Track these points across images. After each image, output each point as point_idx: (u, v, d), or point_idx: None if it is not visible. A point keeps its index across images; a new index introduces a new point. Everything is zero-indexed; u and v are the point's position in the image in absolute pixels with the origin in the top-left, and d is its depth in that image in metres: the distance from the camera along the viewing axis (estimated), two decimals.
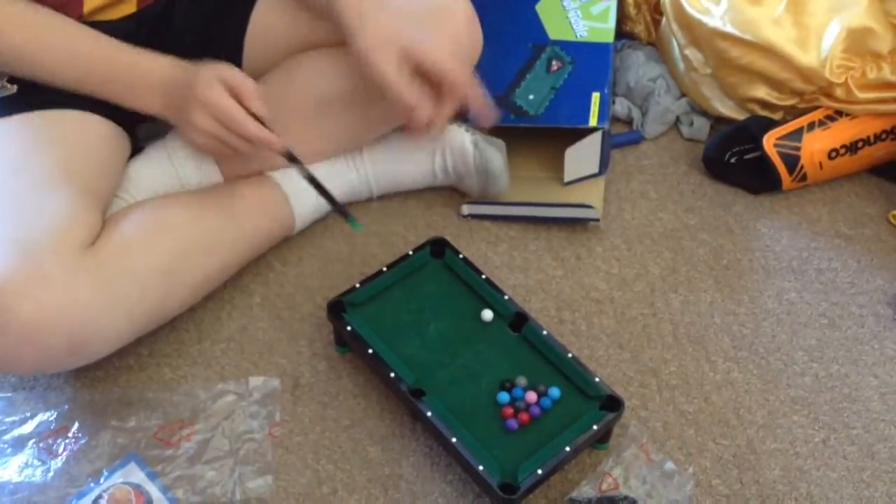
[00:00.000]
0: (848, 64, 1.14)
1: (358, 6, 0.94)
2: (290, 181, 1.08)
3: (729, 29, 1.16)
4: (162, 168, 1.06)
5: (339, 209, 0.99)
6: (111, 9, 1.01)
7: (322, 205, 1.11)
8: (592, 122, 1.11)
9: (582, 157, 1.13)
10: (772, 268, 1.11)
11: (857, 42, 1.13)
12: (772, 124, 1.17)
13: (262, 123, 0.94)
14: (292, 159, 0.97)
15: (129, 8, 1.03)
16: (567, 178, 1.15)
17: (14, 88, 0.97)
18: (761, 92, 1.19)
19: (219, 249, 1.00)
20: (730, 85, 1.21)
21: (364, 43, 0.93)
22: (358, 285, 0.99)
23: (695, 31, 1.21)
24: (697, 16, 1.19)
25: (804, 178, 1.17)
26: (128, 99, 0.97)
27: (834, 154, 1.16)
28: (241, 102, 0.93)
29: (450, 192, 1.17)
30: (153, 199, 1.01)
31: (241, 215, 1.04)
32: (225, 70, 0.94)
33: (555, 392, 0.91)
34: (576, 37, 1.21)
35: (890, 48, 1.14)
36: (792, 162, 1.16)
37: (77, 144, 0.97)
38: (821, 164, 1.16)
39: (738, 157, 1.18)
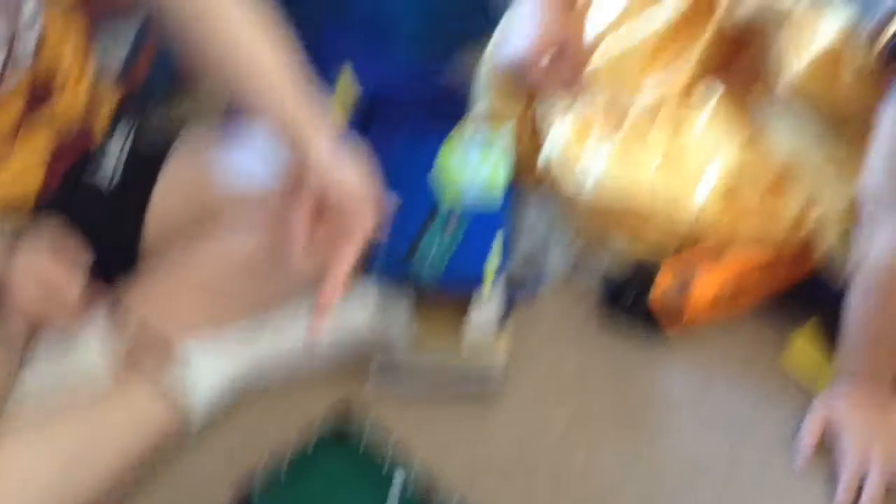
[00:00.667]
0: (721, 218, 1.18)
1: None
2: (194, 362, 1.07)
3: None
4: (62, 360, 1.05)
5: None
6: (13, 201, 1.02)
7: (223, 389, 1.10)
8: (489, 282, 1.13)
9: (481, 317, 1.14)
10: (671, 419, 1.13)
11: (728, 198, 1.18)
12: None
13: None
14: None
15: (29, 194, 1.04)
16: (466, 339, 1.15)
17: None
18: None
19: (104, 460, 0.98)
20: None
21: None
22: (258, 484, 0.98)
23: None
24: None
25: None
26: None
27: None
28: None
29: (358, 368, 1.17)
30: (41, 409, 1.00)
31: (127, 424, 1.02)
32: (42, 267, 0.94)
33: None
34: (471, 193, 1.23)
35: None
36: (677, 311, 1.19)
37: None
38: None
39: (628, 297, 1.22)
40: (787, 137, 1.19)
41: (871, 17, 1.02)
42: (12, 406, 1.00)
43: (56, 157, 1.06)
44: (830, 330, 1.13)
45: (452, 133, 1.33)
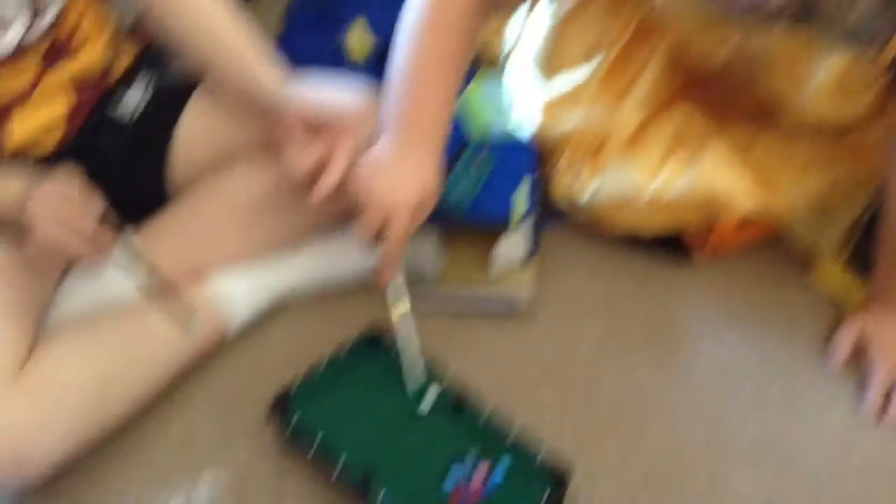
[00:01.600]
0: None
1: None
2: (226, 286, 1.09)
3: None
4: (91, 285, 1.06)
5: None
6: (36, 147, 1.04)
7: (260, 305, 1.12)
8: (518, 213, 1.13)
9: (510, 246, 1.15)
10: (701, 334, 1.14)
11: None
12: None
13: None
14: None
15: (53, 141, 1.05)
16: (494, 266, 1.17)
17: None
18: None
19: (149, 364, 1.01)
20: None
21: None
22: (298, 382, 1.00)
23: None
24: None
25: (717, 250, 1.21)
26: None
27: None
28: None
29: None
30: (86, 316, 1.02)
31: (172, 330, 1.03)
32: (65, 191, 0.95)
33: (501, 470, 0.92)
34: (498, 128, 1.24)
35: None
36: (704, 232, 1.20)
37: (11, 272, 0.97)
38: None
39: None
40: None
41: (865, 39, 1.01)
42: (49, 327, 1.02)
43: (77, 107, 1.08)
44: (860, 251, 1.15)
45: (478, 72, 1.35)
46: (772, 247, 1.23)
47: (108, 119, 1.11)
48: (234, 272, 1.10)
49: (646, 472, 0.98)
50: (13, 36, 0.96)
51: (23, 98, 1.01)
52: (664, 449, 1.01)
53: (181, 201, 1.12)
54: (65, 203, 0.95)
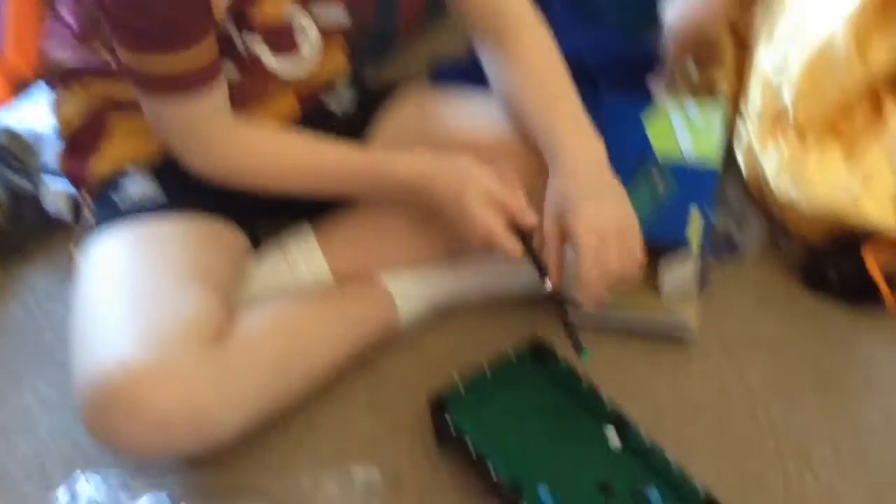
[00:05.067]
0: None
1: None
2: (397, 285, 1.13)
3: (804, 203, 1.18)
4: (277, 266, 1.12)
5: (575, 341, 1.00)
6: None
7: (425, 309, 1.15)
8: (692, 240, 1.12)
9: (680, 272, 1.14)
10: (876, 382, 1.09)
11: None
12: (869, 235, 1.17)
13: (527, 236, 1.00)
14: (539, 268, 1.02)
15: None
16: (663, 291, 1.16)
17: (164, 198, 1.06)
18: None
19: (329, 347, 1.05)
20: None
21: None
22: (459, 383, 1.02)
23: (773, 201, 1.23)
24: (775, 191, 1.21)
25: None
26: (377, 198, 1.09)
27: None
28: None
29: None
30: (272, 297, 1.08)
31: (350, 315, 1.09)
32: (489, 186, 1.00)
33: (654, 494, 0.91)
34: (681, 155, 1.23)
35: None
36: (894, 278, 1.16)
37: (210, 248, 1.04)
38: None
39: (837, 270, 1.19)
40: None
41: None
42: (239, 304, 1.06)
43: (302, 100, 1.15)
44: None
45: (660, 97, 1.35)
46: None
47: (324, 108, 1.18)
48: (404, 274, 1.14)
49: None
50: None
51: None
52: (824, 496, 0.97)
53: (361, 202, 1.16)
54: (497, 186, 1.00)
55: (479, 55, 1.13)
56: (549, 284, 1.01)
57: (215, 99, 0.98)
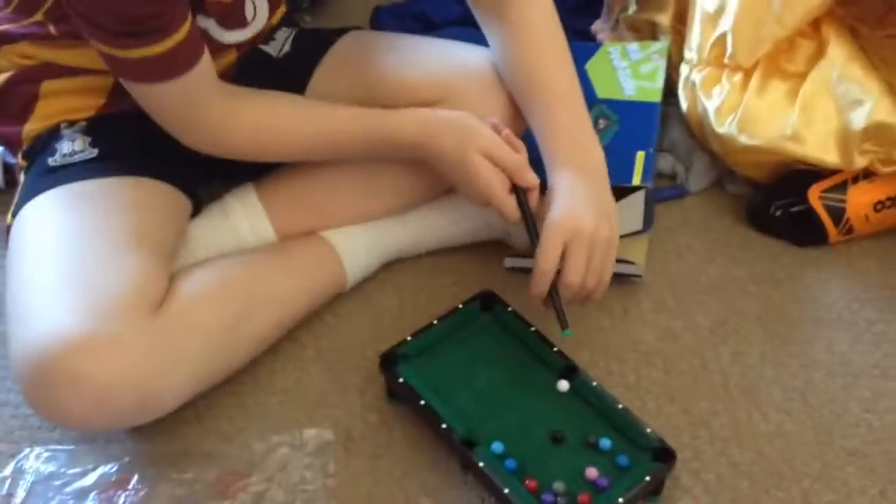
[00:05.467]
0: (872, 149, 1.14)
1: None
2: (343, 241, 1.11)
3: (745, 140, 1.18)
4: (219, 227, 1.10)
5: (561, 316, 0.98)
6: None
7: (373, 262, 1.14)
8: (636, 180, 1.12)
9: (626, 214, 1.14)
10: (822, 319, 1.11)
11: (878, 134, 1.13)
12: (815, 177, 1.18)
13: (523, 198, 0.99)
14: (531, 232, 1.01)
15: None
16: None
17: (95, 152, 1.02)
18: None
19: (277, 306, 1.03)
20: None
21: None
22: (409, 338, 1.01)
23: (713, 139, 1.23)
24: (716, 129, 1.21)
25: (850, 230, 1.18)
26: (376, 156, 1.07)
27: (880, 206, 1.16)
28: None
29: (498, 247, 1.19)
30: (214, 258, 1.05)
31: (297, 273, 1.07)
32: (491, 146, 0.99)
33: (606, 443, 0.91)
34: (623, 96, 1.23)
35: None
36: (838, 214, 1.17)
37: (147, 209, 1.01)
38: (867, 216, 1.17)
39: (783, 210, 1.19)
40: None
41: None
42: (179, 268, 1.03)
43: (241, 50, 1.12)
44: None
45: (603, 42, 1.34)
46: None
47: (260, 51, 1.15)
48: (351, 229, 1.12)
49: (752, 457, 0.96)
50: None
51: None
52: (772, 435, 0.98)
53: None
54: (500, 144, 0.99)
55: (480, 24, 1.10)
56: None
57: (204, 78, 0.95)
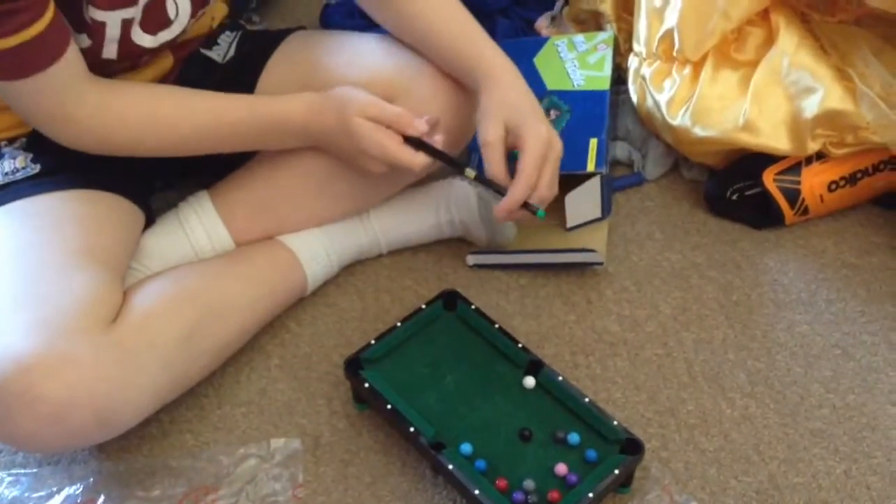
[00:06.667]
0: (825, 133, 1.15)
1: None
2: (302, 244, 1.10)
3: (699, 132, 1.18)
4: (174, 238, 1.08)
5: (530, 206, 0.99)
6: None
7: (333, 266, 1.13)
8: (590, 167, 1.13)
9: (583, 202, 1.15)
10: (781, 301, 1.12)
11: (830, 121, 1.14)
12: (770, 160, 1.19)
13: (422, 140, 0.99)
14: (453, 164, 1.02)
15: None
16: (569, 224, 1.16)
17: (38, 168, 0.99)
18: None
19: (236, 314, 1.02)
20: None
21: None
22: (373, 341, 1.00)
23: (665, 131, 1.24)
24: (669, 121, 1.21)
25: (806, 211, 1.19)
26: (272, 146, 1.06)
27: (834, 186, 1.18)
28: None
29: (459, 244, 1.19)
30: (169, 269, 1.03)
31: (256, 280, 1.06)
32: (367, 106, 0.98)
33: (574, 438, 0.92)
34: (573, 86, 1.23)
35: (868, 121, 1.13)
36: (793, 196, 1.18)
37: (97, 222, 0.98)
38: (821, 196, 1.18)
39: (739, 194, 1.20)
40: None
41: None
42: (133, 280, 1.02)
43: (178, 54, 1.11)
44: None
45: (550, 36, 1.34)
46: (868, 210, 1.21)
47: (203, 56, 1.13)
48: (309, 232, 1.11)
49: (719, 444, 0.97)
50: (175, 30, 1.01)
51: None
52: (738, 420, 0.99)
53: (257, 163, 1.12)
54: (377, 104, 0.98)
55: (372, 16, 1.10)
56: (469, 172, 1.01)
57: (73, 70, 0.91)
